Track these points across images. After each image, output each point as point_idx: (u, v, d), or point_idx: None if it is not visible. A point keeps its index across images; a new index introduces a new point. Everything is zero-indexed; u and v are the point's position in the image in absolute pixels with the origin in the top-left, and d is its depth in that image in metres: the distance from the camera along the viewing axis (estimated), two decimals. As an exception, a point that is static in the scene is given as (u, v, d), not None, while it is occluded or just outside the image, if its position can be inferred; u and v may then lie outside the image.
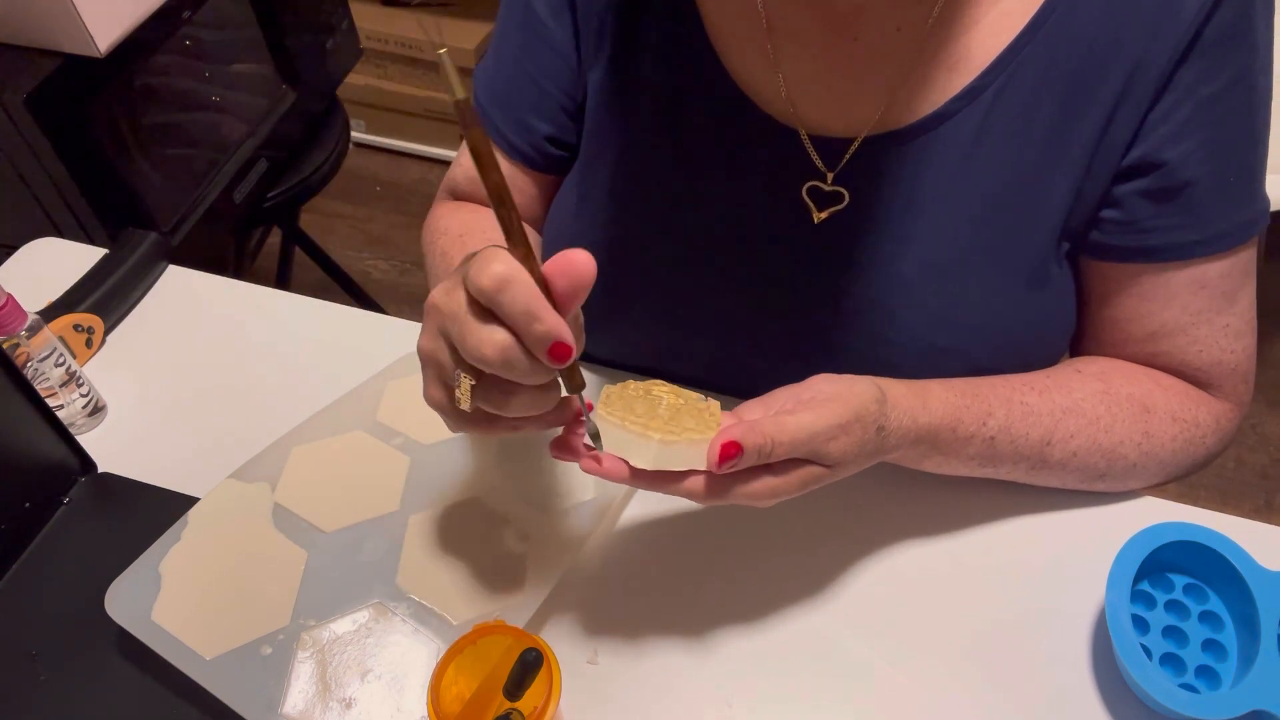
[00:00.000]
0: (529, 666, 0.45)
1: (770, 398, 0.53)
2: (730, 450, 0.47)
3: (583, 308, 0.72)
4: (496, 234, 0.67)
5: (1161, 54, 0.53)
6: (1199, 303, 0.61)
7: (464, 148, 0.76)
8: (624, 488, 0.63)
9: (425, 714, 0.52)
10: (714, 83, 0.61)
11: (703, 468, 0.48)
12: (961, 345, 0.62)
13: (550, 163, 0.71)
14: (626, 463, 0.48)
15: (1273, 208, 0.62)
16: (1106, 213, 0.59)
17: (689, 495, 0.49)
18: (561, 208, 0.71)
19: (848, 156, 0.59)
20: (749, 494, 0.49)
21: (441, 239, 0.72)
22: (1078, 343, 0.70)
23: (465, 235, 0.70)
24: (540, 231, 0.75)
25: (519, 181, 0.73)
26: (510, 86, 0.69)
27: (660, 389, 0.52)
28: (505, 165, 0.72)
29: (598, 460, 0.48)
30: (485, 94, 0.71)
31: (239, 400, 0.73)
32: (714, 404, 0.51)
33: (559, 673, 0.47)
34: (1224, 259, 0.59)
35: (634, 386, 0.52)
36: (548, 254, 0.72)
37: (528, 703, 0.46)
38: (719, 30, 0.61)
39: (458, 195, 0.78)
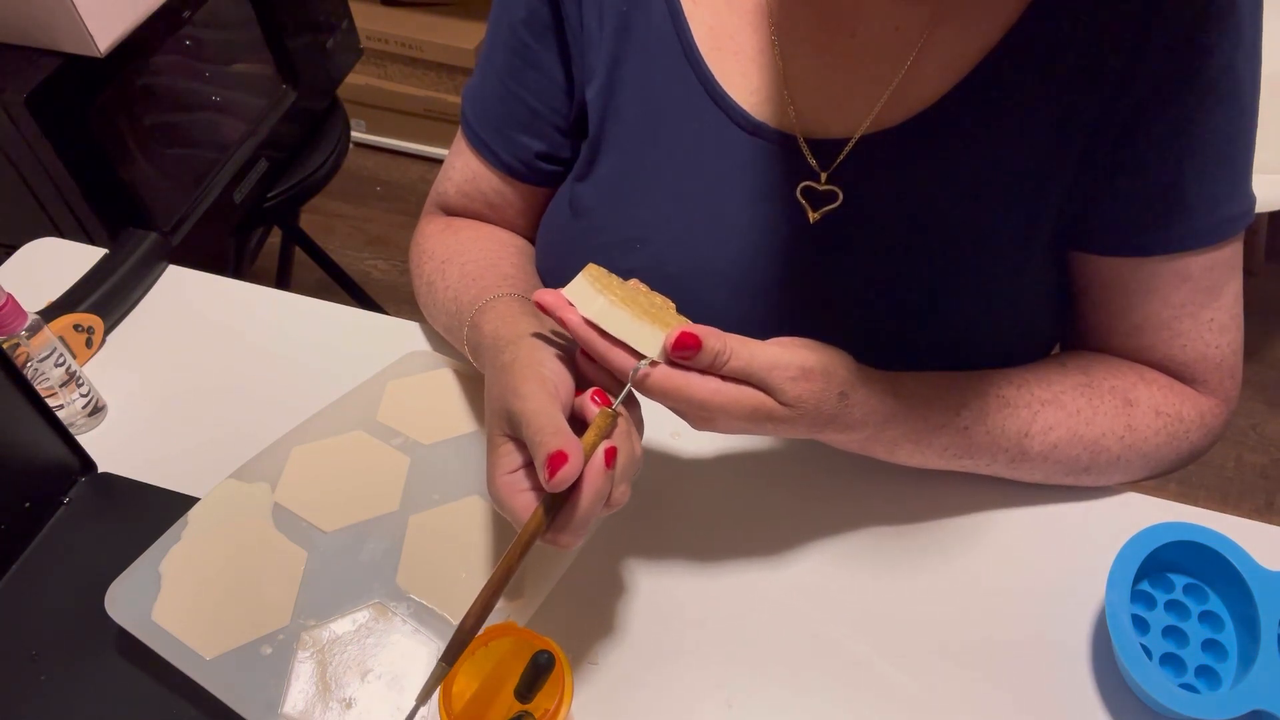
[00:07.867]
0: (541, 669, 0.45)
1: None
2: (687, 340, 0.47)
3: None
4: (475, 262, 0.68)
5: (1151, 49, 0.53)
6: (1181, 296, 0.61)
7: (452, 152, 0.75)
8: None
9: (425, 714, 0.52)
10: (703, 91, 0.61)
11: (639, 349, 0.48)
12: (952, 339, 0.62)
13: (541, 177, 0.71)
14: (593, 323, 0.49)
15: (1266, 209, 0.62)
16: (1095, 206, 0.59)
17: (636, 380, 0.49)
18: (555, 216, 0.71)
19: (842, 156, 0.59)
20: (691, 392, 0.48)
21: (428, 264, 0.72)
22: (1066, 337, 0.70)
23: (447, 262, 0.70)
24: (532, 240, 0.75)
25: (508, 194, 0.73)
26: (499, 105, 0.69)
27: (662, 298, 0.53)
28: (494, 178, 0.72)
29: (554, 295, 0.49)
30: (474, 112, 0.71)
31: (239, 400, 0.73)
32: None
33: (571, 675, 0.47)
34: (1208, 253, 0.59)
35: (644, 288, 0.53)
36: (541, 261, 0.73)
37: (539, 705, 0.46)
38: (712, 33, 0.61)
39: (448, 208, 0.77)
